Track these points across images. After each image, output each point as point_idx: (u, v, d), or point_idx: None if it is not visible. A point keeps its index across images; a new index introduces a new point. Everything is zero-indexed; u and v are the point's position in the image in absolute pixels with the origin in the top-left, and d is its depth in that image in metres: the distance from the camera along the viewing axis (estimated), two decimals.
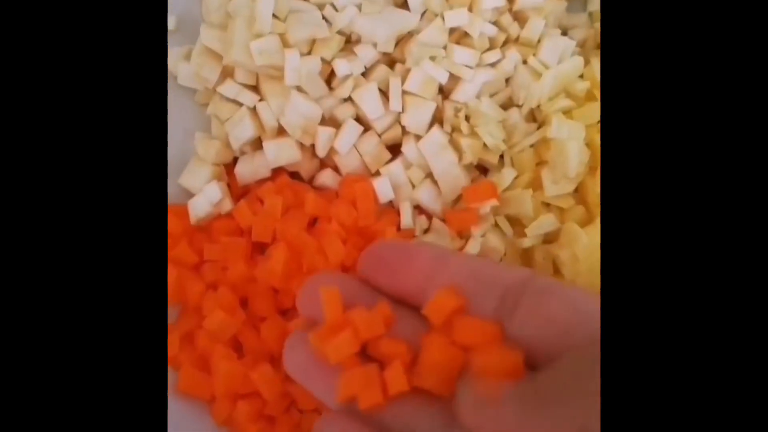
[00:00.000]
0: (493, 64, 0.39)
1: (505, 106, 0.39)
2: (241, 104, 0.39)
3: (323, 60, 0.38)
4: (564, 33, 0.41)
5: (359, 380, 0.25)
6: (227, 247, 0.37)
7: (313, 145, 0.39)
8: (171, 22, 0.41)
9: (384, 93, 0.39)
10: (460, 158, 0.38)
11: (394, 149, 0.39)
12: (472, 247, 0.37)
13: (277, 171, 0.39)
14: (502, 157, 0.38)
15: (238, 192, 0.40)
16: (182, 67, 0.40)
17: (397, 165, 0.38)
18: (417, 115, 0.38)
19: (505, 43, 0.40)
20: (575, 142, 0.36)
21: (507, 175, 0.37)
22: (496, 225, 0.38)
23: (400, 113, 0.38)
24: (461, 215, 0.38)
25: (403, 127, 0.39)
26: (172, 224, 0.38)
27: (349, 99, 0.39)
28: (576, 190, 0.38)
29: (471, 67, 0.38)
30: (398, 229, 0.38)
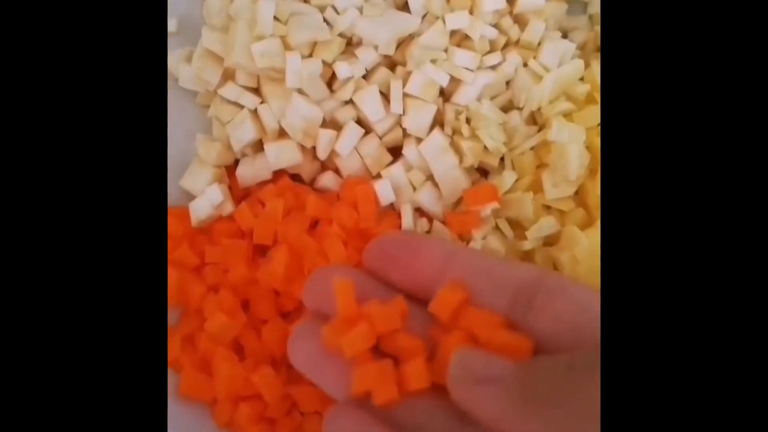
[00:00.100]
0: (493, 67, 0.39)
1: (506, 108, 0.39)
2: (242, 106, 0.39)
3: (324, 62, 0.38)
4: (564, 36, 0.41)
5: (374, 375, 0.25)
6: (228, 250, 0.37)
7: (314, 148, 0.39)
8: (172, 25, 0.41)
9: (385, 95, 0.39)
10: (461, 161, 0.38)
11: (395, 152, 0.39)
12: None
13: (278, 173, 0.39)
14: (502, 159, 0.39)
15: (239, 194, 0.40)
16: (183, 69, 0.40)
17: (398, 167, 0.38)
18: (418, 118, 0.38)
19: (506, 45, 0.40)
20: (575, 145, 0.36)
21: (507, 177, 0.38)
22: (497, 227, 0.38)
23: (401, 116, 0.39)
24: (462, 218, 0.38)
25: (404, 130, 0.39)
26: (174, 226, 0.38)
27: (350, 101, 0.39)
28: (576, 193, 0.38)
29: (472, 70, 0.38)
30: None
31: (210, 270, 0.38)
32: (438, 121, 0.39)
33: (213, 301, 0.37)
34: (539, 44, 0.39)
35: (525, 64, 0.39)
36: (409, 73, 0.38)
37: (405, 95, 0.38)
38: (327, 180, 0.39)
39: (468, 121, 0.38)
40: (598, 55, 0.40)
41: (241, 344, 0.37)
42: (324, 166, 0.40)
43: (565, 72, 0.38)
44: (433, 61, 0.38)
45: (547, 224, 0.37)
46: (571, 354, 0.22)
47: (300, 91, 0.38)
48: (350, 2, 0.38)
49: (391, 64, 0.40)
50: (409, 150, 0.38)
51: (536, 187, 0.38)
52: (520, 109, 0.39)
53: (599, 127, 0.37)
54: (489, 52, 0.39)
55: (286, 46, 0.38)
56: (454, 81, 0.39)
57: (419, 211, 0.39)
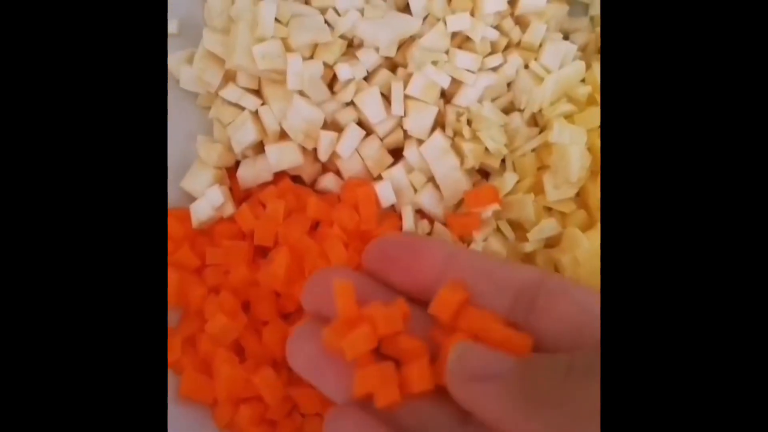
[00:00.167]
0: (495, 69, 0.39)
1: (507, 110, 0.39)
2: (243, 108, 0.39)
3: (325, 64, 0.38)
4: (566, 37, 0.41)
5: (376, 378, 0.25)
6: (229, 251, 0.37)
7: (315, 149, 0.39)
8: (173, 26, 0.41)
9: (386, 97, 0.39)
10: (462, 162, 0.38)
11: (396, 153, 0.39)
12: None
13: (279, 175, 0.39)
14: (503, 161, 0.39)
15: (240, 196, 0.40)
16: (184, 70, 0.40)
17: (398, 169, 0.38)
18: (419, 120, 0.38)
19: (507, 47, 0.40)
20: (577, 146, 0.36)
21: (509, 179, 0.38)
22: (498, 229, 0.38)
23: (402, 117, 0.39)
24: (463, 219, 0.38)
25: (405, 132, 0.39)
26: (174, 228, 0.38)
27: (351, 103, 0.39)
28: (577, 195, 0.38)
29: (473, 72, 0.38)
30: None
31: (211, 271, 0.38)
32: (439, 123, 0.39)
33: (214, 302, 0.37)
34: (540, 46, 0.39)
35: (526, 66, 0.39)
36: (410, 75, 0.38)
37: (406, 97, 0.38)
38: (328, 181, 0.39)
39: (469, 122, 0.38)
40: (600, 56, 0.40)
41: (241, 346, 0.37)
42: (325, 167, 0.40)
43: (566, 73, 0.38)
44: (434, 63, 0.38)
45: (548, 226, 0.37)
46: (571, 354, 0.22)
47: (301, 93, 0.38)
48: (351, 4, 0.38)
49: (392, 65, 0.40)
50: (410, 152, 0.38)
51: (537, 189, 0.38)
52: (521, 110, 0.39)
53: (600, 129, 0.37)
54: (490, 53, 0.39)
55: (287, 48, 0.38)
56: (455, 83, 0.39)
57: (420, 213, 0.39)
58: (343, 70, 0.38)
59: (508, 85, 0.39)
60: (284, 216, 0.37)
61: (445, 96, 0.39)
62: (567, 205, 0.37)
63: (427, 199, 0.38)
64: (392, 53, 0.39)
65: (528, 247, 0.37)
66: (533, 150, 0.38)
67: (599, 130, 0.37)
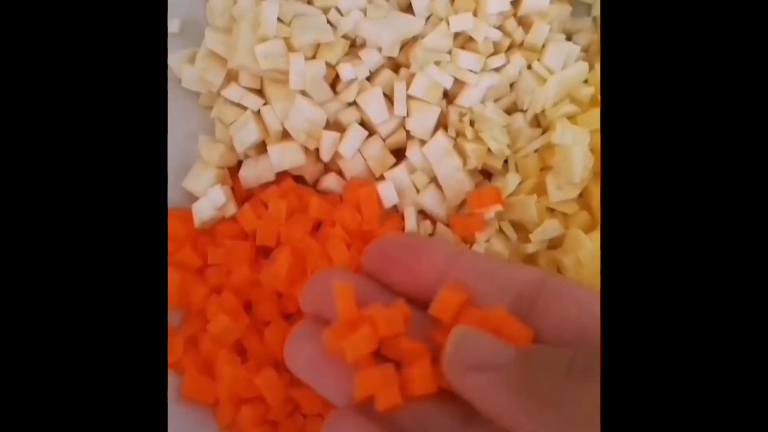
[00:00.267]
0: (497, 69, 0.39)
1: (510, 111, 0.39)
2: (245, 108, 0.39)
3: (328, 64, 0.38)
4: (568, 38, 0.41)
5: (377, 380, 0.25)
6: (231, 251, 0.37)
7: (317, 149, 0.39)
8: (175, 25, 0.40)
9: (389, 97, 0.39)
10: (465, 163, 0.38)
11: (399, 154, 0.39)
12: None
13: (282, 175, 0.39)
14: (506, 162, 0.39)
15: (242, 196, 0.40)
16: (186, 70, 0.40)
17: (401, 169, 0.38)
18: (421, 120, 0.38)
19: (510, 47, 0.40)
20: (579, 147, 0.36)
21: (511, 180, 0.37)
22: (501, 230, 0.38)
23: (404, 118, 0.38)
24: (465, 220, 0.38)
25: (407, 132, 0.39)
26: (176, 228, 0.38)
27: (354, 103, 0.38)
28: (580, 196, 0.38)
29: (476, 72, 0.38)
30: None
31: (213, 271, 0.38)
32: (441, 123, 0.39)
33: (216, 302, 0.37)
34: (543, 46, 0.39)
35: (529, 67, 0.39)
36: (412, 75, 0.38)
37: (409, 97, 0.38)
38: (330, 182, 0.39)
39: (472, 123, 0.38)
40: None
41: (243, 346, 0.37)
42: (327, 167, 0.40)
43: (569, 74, 0.38)
44: (437, 63, 0.38)
45: (550, 227, 0.37)
46: (572, 350, 0.22)
47: (303, 93, 0.38)
48: (354, 4, 0.38)
49: (395, 65, 0.40)
50: (412, 152, 0.38)
51: (540, 190, 0.38)
52: (524, 111, 0.39)
53: None
54: (493, 54, 0.39)
55: (290, 48, 0.38)
56: (458, 83, 0.38)
57: (422, 214, 0.39)
58: (346, 70, 0.38)
59: (511, 85, 0.39)
60: (286, 216, 0.37)
61: (448, 96, 0.39)
62: (570, 206, 0.37)
63: (429, 199, 0.38)
64: (395, 53, 0.39)
65: (530, 248, 0.37)
66: (536, 151, 0.38)
67: None
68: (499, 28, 0.40)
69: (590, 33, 0.41)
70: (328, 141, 0.38)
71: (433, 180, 0.39)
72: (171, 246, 0.38)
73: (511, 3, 0.39)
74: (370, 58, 0.38)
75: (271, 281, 0.36)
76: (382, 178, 0.39)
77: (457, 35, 0.39)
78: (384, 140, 0.39)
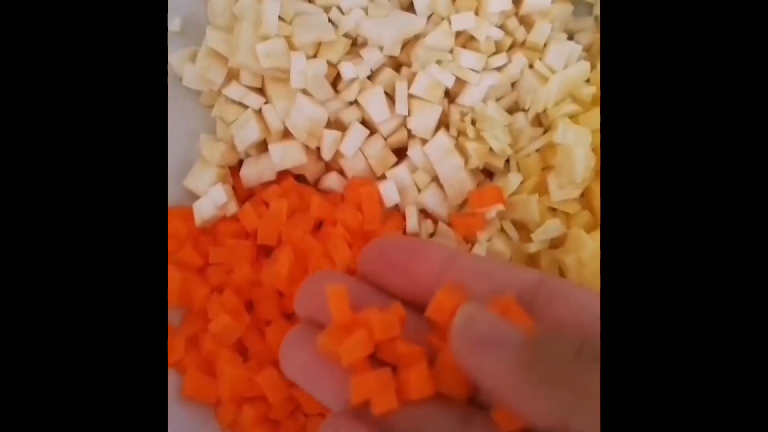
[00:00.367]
0: (499, 68, 0.39)
1: (511, 110, 0.39)
2: (246, 107, 0.39)
3: (329, 63, 0.38)
4: (570, 37, 0.41)
5: (373, 384, 0.25)
6: (232, 250, 0.37)
7: (318, 148, 0.39)
8: (176, 24, 0.40)
9: (390, 96, 0.39)
10: (466, 162, 0.38)
11: (400, 153, 0.39)
12: (478, 251, 0.37)
13: (283, 174, 0.39)
14: (508, 161, 0.38)
15: (243, 195, 0.40)
16: (187, 68, 0.40)
17: (402, 169, 0.38)
18: (423, 119, 0.38)
19: (512, 47, 0.40)
20: (581, 147, 0.36)
21: (513, 179, 0.37)
22: (502, 230, 0.38)
23: (406, 117, 0.38)
24: (467, 220, 0.38)
25: (409, 131, 0.39)
26: (177, 227, 0.38)
27: (355, 102, 0.38)
28: (582, 195, 0.38)
29: (477, 71, 0.38)
30: (404, 233, 0.38)
31: (214, 270, 0.38)
32: (443, 123, 0.39)
33: (217, 301, 0.37)
34: (545, 46, 0.39)
35: (531, 66, 0.39)
36: (414, 74, 0.38)
37: (410, 96, 0.38)
38: (331, 181, 0.39)
39: (473, 122, 0.38)
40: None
41: (244, 345, 0.37)
42: (328, 166, 0.40)
43: (570, 74, 0.38)
44: (439, 62, 0.38)
45: (552, 227, 0.37)
46: (581, 337, 0.22)
47: (305, 92, 0.38)
48: (355, 2, 0.38)
49: (396, 64, 0.40)
50: (414, 151, 0.38)
51: (542, 190, 0.38)
52: (525, 110, 0.39)
53: None
54: (494, 53, 0.39)
55: (291, 47, 0.38)
56: (460, 82, 0.38)
57: (424, 213, 0.39)
58: (347, 69, 0.38)
59: (513, 84, 0.39)
60: (287, 215, 0.37)
61: (450, 95, 0.39)
62: (571, 206, 0.37)
63: (430, 198, 0.38)
64: (396, 52, 0.39)
65: (532, 248, 0.37)
66: (537, 150, 0.38)
67: None
68: (501, 27, 0.39)
69: (592, 32, 0.41)
70: (329, 140, 0.38)
71: (435, 179, 0.38)
72: (172, 245, 0.38)
73: (513, 2, 0.39)
74: (372, 57, 0.38)
75: (272, 280, 0.36)
76: (383, 177, 0.39)
77: (458, 34, 0.39)
78: (385, 139, 0.39)
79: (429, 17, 0.39)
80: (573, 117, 0.38)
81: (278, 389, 0.35)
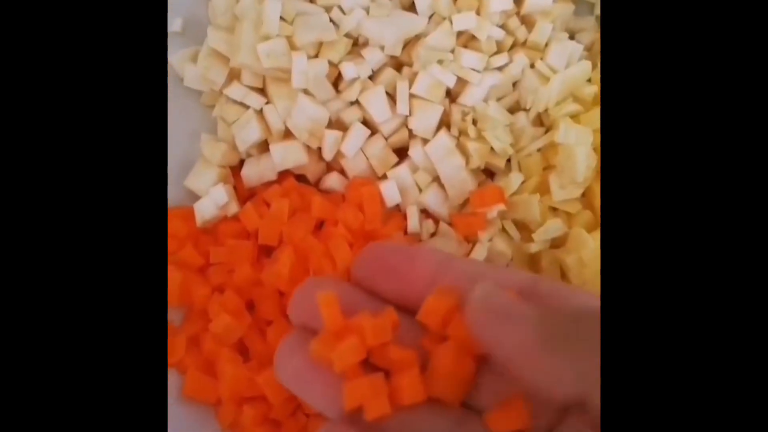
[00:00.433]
0: (500, 68, 0.39)
1: (513, 110, 0.39)
2: (247, 107, 0.39)
3: (330, 63, 0.38)
4: (571, 37, 0.41)
5: (366, 390, 0.25)
6: (233, 250, 0.37)
7: (319, 148, 0.39)
8: (177, 24, 0.40)
9: (391, 96, 0.38)
10: (467, 162, 0.38)
11: (401, 153, 0.39)
12: (479, 251, 0.37)
13: (284, 174, 0.39)
14: (509, 161, 0.38)
15: (244, 195, 0.40)
16: (189, 68, 0.40)
17: (403, 168, 0.38)
18: (424, 119, 0.38)
19: (513, 46, 0.40)
20: (583, 146, 0.36)
21: (514, 179, 0.37)
22: (503, 229, 0.38)
23: (407, 117, 0.38)
24: (468, 219, 0.38)
25: (410, 131, 0.39)
26: (178, 227, 0.38)
27: (356, 102, 0.38)
28: (583, 195, 0.38)
29: (478, 71, 0.38)
30: (405, 233, 0.38)
31: (215, 270, 0.38)
32: (444, 122, 0.39)
33: (218, 301, 0.37)
34: (546, 45, 0.39)
35: (532, 65, 0.39)
36: (415, 74, 0.38)
37: (411, 96, 0.38)
38: (332, 181, 0.39)
39: (474, 122, 0.38)
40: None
41: (245, 345, 0.37)
42: (329, 166, 0.40)
43: (572, 73, 0.38)
44: (440, 62, 0.38)
45: (553, 226, 0.37)
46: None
47: (306, 92, 0.38)
48: (356, 2, 0.38)
49: (398, 64, 0.40)
50: (415, 151, 0.38)
51: (543, 189, 0.38)
52: (527, 110, 0.39)
53: None
54: (496, 53, 0.39)
55: (292, 46, 0.38)
56: (461, 82, 0.38)
57: (425, 213, 0.39)
58: (348, 69, 0.38)
59: (514, 84, 0.39)
60: (288, 215, 0.37)
61: (451, 95, 0.39)
62: (573, 206, 0.37)
63: (432, 198, 0.38)
64: (397, 52, 0.38)
65: (533, 248, 0.37)
66: (539, 150, 0.38)
67: None
68: (502, 26, 0.39)
69: (593, 32, 0.41)
70: (330, 140, 0.38)
71: (436, 179, 0.38)
72: (173, 245, 0.38)
73: (514, 2, 0.39)
74: (373, 57, 0.38)
75: (273, 280, 0.36)
76: (384, 177, 0.39)
77: (459, 34, 0.39)
78: (386, 139, 0.39)
79: (430, 17, 0.39)
80: (574, 117, 0.38)
81: (279, 389, 0.35)
